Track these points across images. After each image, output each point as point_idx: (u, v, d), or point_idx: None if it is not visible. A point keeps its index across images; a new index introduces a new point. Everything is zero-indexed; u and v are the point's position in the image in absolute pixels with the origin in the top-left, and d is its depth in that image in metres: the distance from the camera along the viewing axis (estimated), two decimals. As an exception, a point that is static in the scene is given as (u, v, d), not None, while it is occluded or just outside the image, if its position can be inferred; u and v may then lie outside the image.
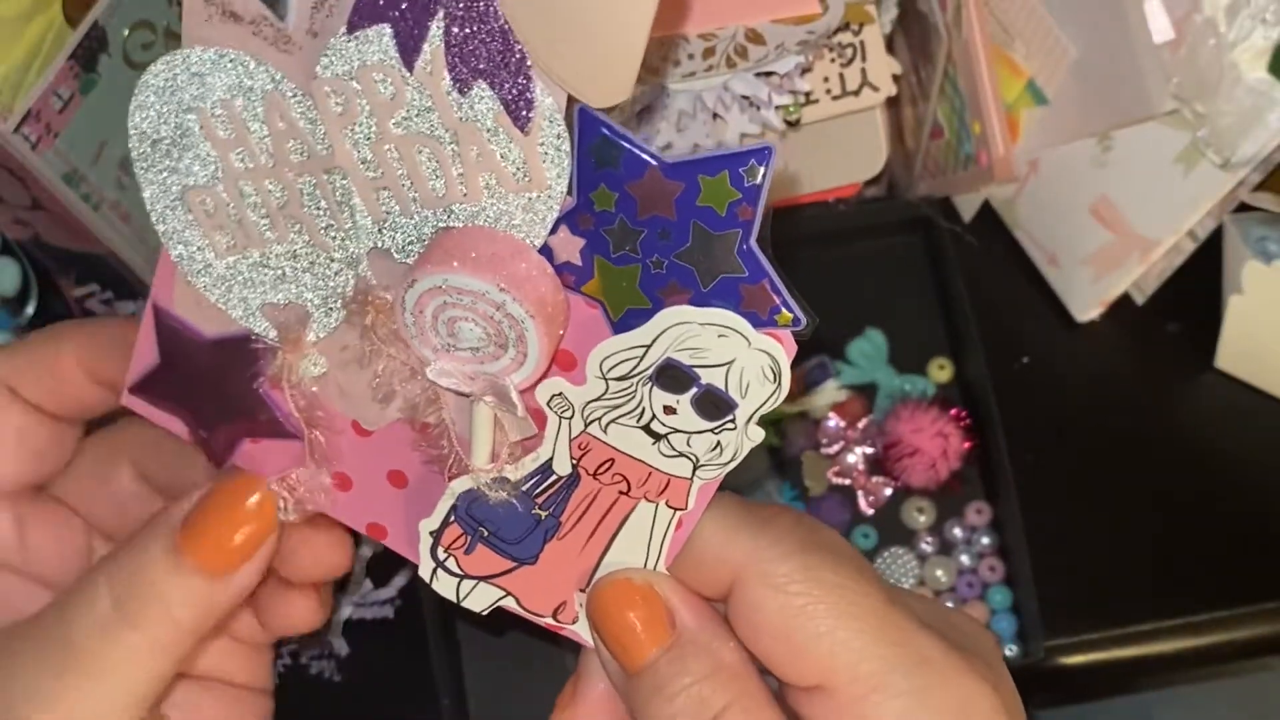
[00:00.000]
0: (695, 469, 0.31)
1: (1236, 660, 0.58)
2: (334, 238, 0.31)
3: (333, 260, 0.32)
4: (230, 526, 0.33)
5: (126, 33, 0.50)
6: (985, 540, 0.59)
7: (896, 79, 0.58)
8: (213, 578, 0.32)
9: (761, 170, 0.27)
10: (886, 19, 0.60)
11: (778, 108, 0.54)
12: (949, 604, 0.58)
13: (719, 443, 0.30)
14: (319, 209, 0.31)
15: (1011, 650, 0.57)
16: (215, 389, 0.34)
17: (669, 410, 0.30)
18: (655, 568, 0.32)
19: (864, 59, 0.56)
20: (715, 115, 0.52)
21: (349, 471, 0.35)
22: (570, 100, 0.28)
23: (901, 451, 0.58)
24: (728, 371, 0.29)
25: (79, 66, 0.49)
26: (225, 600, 0.33)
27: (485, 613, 0.35)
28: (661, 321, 0.29)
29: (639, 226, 0.29)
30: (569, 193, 0.29)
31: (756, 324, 0.29)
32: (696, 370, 0.29)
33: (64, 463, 0.38)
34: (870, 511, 0.60)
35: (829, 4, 0.48)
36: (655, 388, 0.30)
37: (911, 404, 0.59)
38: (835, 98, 0.57)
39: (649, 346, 0.30)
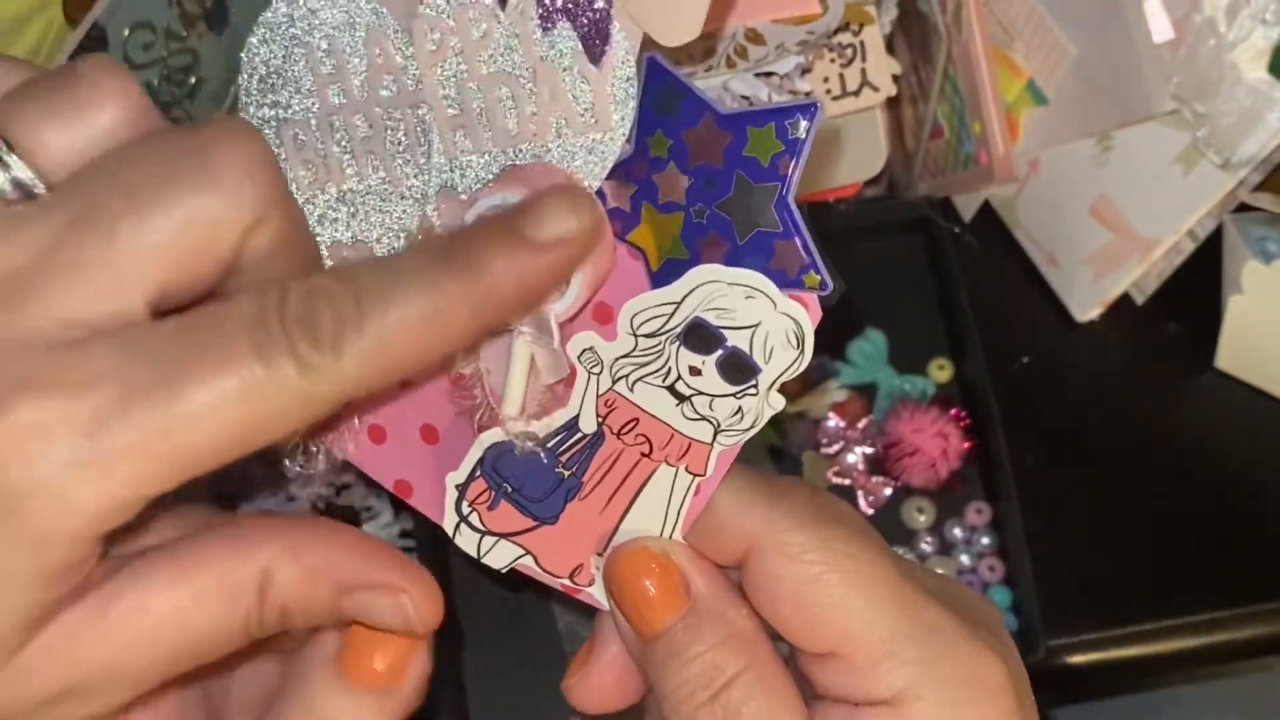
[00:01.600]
0: (716, 434, 0.32)
1: (1236, 660, 0.58)
2: (408, 174, 0.33)
3: (403, 198, 0.34)
4: (381, 659, 0.32)
5: (126, 33, 0.50)
6: (985, 540, 0.59)
7: (896, 79, 0.58)
8: (370, 695, 0.31)
9: (805, 125, 0.29)
10: (886, 19, 0.60)
11: (778, 108, 0.54)
12: (949, 604, 0.58)
13: (740, 408, 0.31)
14: (399, 144, 0.33)
15: (1011, 650, 0.57)
16: None
17: (694, 371, 0.31)
18: (672, 535, 0.33)
19: (864, 59, 0.56)
20: (715, 115, 0.52)
21: (384, 423, 0.35)
22: (640, 49, 0.30)
23: (901, 451, 0.58)
24: (753, 334, 0.30)
25: (79, 67, 0.49)
26: (397, 712, 0.32)
27: (504, 570, 0.35)
28: (692, 279, 0.30)
29: (687, 174, 0.30)
30: (627, 140, 0.31)
31: (784, 284, 0.30)
32: (723, 331, 0.31)
33: None
34: (870, 511, 0.60)
35: (829, 4, 0.48)
36: (682, 347, 0.31)
37: (911, 404, 0.59)
38: (835, 98, 0.57)
39: (679, 304, 0.31)
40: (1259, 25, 0.49)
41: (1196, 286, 0.60)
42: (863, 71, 0.56)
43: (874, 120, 0.59)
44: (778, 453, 0.60)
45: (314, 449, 0.35)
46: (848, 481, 0.60)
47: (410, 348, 0.26)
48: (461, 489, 0.34)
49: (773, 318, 0.30)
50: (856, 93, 0.57)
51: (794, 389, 0.61)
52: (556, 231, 0.28)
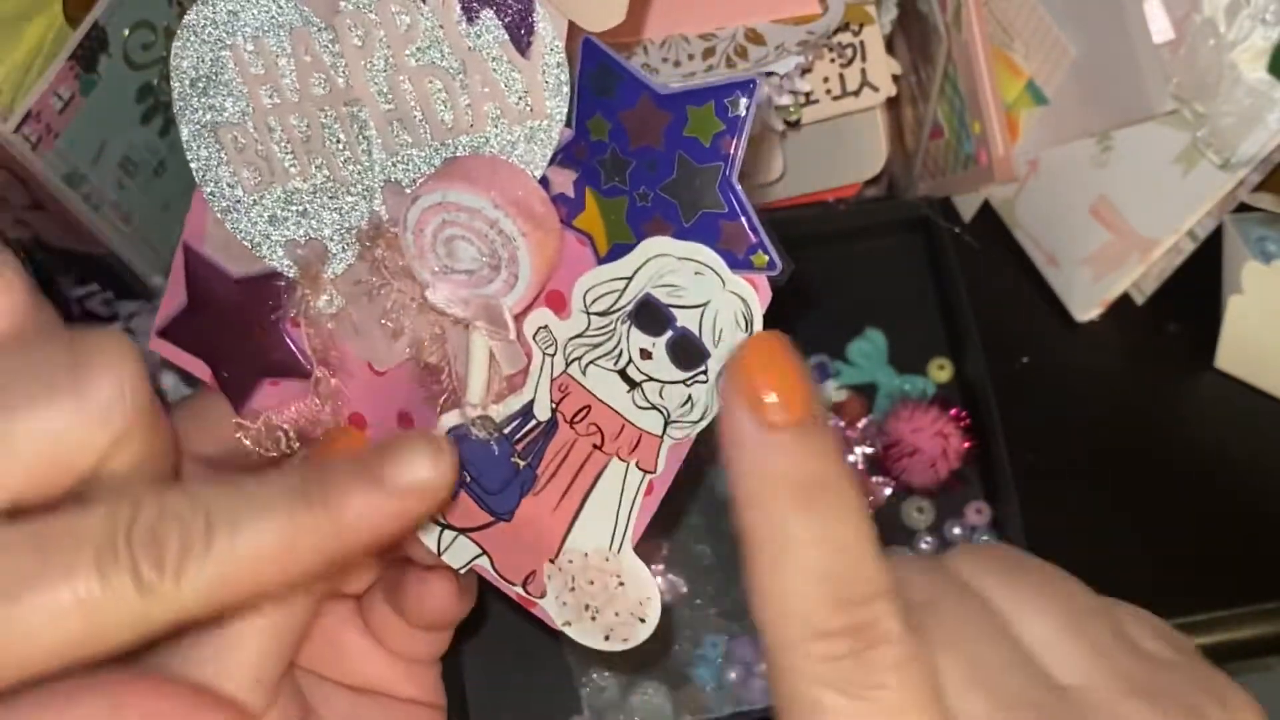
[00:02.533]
0: (666, 425, 0.32)
1: (1236, 660, 0.58)
2: (351, 171, 0.33)
3: (349, 194, 0.34)
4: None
5: (127, 33, 0.51)
6: (985, 540, 0.59)
7: (896, 79, 0.58)
8: None
9: (745, 102, 0.28)
10: (886, 19, 0.60)
11: (778, 108, 0.54)
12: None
13: (690, 396, 0.31)
14: (339, 142, 0.33)
15: (1011, 650, 0.57)
16: (238, 329, 0.36)
17: (645, 354, 0.31)
18: (622, 543, 0.33)
19: (864, 59, 0.56)
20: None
21: (365, 412, 0.36)
22: (573, 32, 0.29)
23: (901, 451, 0.58)
24: (702, 314, 0.30)
25: (79, 67, 0.49)
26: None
27: (463, 570, 0.35)
28: (643, 252, 0.30)
29: (629, 157, 0.30)
30: (567, 124, 0.30)
31: (733, 264, 0.29)
32: (673, 310, 0.30)
33: None
34: (870, 511, 0.60)
35: (829, 4, 0.48)
36: (634, 328, 0.31)
37: (911, 404, 0.59)
38: (835, 98, 0.57)
39: (630, 279, 0.31)
40: (1259, 25, 0.49)
41: (1196, 286, 0.60)
42: (863, 71, 0.56)
43: (874, 120, 0.59)
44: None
45: (289, 436, 0.36)
46: (848, 481, 0.60)
47: (253, 578, 0.26)
48: None
49: (721, 296, 0.30)
50: (856, 93, 0.57)
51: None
52: (413, 479, 0.28)
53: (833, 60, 0.56)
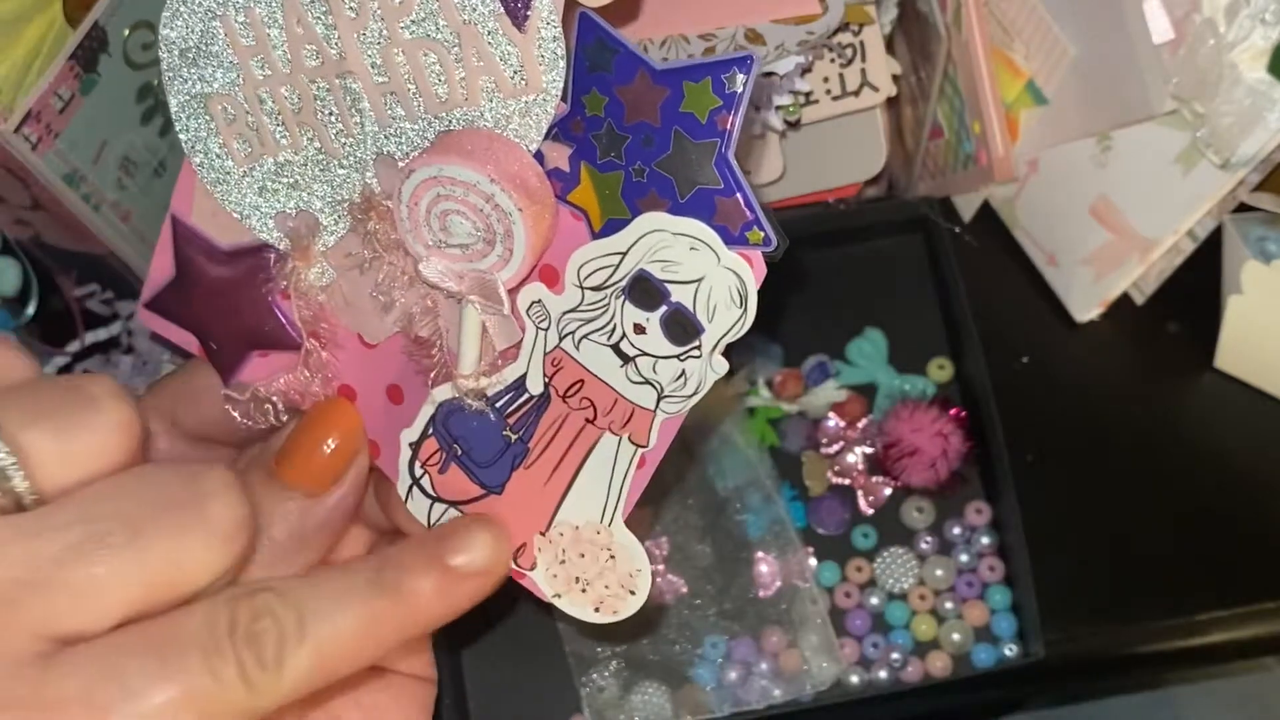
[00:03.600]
0: (659, 400, 0.32)
1: (1236, 660, 0.58)
2: (344, 143, 0.33)
3: (341, 166, 0.33)
4: (317, 447, 0.35)
5: (126, 33, 0.50)
6: (985, 540, 0.59)
7: (896, 79, 0.58)
8: (308, 497, 0.34)
9: (742, 78, 0.28)
10: (886, 19, 0.60)
11: (778, 108, 0.54)
12: (949, 604, 0.58)
13: (684, 371, 0.31)
14: (330, 114, 0.33)
15: (1011, 650, 0.57)
16: (227, 301, 0.36)
17: (639, 329, 0.31)
18: (614, 516, 0.33)
19: (864, 59, 0.56)
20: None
21: (354, 384, 0.36)
22: (570, 6, 0.29)
23: (901, 451, 0.58)
24: (696, 290, 0.30)
25: (79, 66, 0.49)
26: (320, 520, 0.35)
27: None
28: (638, 227, 0.30)
29: (625, 132, 0.30)
30: (563, 99, 0.30)
31: (728, 240, 0.30)
32: (667, 285, 0.30)
33: None
34: (870, 511, 0.60)
35: (829, 4, 0.48)
36: (628, 302, 0.31)
37: (911, 404, 0.59)
38: (835, 98, 0.57)
39: (625, 254, 0.31)
40: (1258, 25, 0.49)
41: (1196, 286, 0.60)
42: (863, 71, 0.56)
43: (874, 120, 0.59)
44: (778, 453, 0.60)
45: (277, 408, 0.36)
46: (848, 481, 0.60)
47: (343, 662, 0.29)
48: (415, 447, 0.35)
49: (716, 272, 0.30)
50: (856, 93, 0.57)
51: (795, 389, 0.61)
52: (474, 563, 0.32)
53: (833, 60, 0.56)
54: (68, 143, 0.49)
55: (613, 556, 0.33)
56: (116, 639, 0.27)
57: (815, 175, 0.61)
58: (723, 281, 0.30)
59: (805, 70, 0.54)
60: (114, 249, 0.54)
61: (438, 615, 0.31)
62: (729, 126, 0.29)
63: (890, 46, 0.60)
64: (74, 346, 0.59)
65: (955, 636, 0.57)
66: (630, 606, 0.34)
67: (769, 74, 0.51)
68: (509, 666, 0.56)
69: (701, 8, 0.47)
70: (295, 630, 0.28)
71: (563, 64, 0.30)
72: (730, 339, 0.31)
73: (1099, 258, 0.60)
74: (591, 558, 0.33)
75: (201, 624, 0.28)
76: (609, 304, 0.31)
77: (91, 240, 0.53)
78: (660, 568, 0.58)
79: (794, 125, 0.57)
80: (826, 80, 0.56)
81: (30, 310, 0.57)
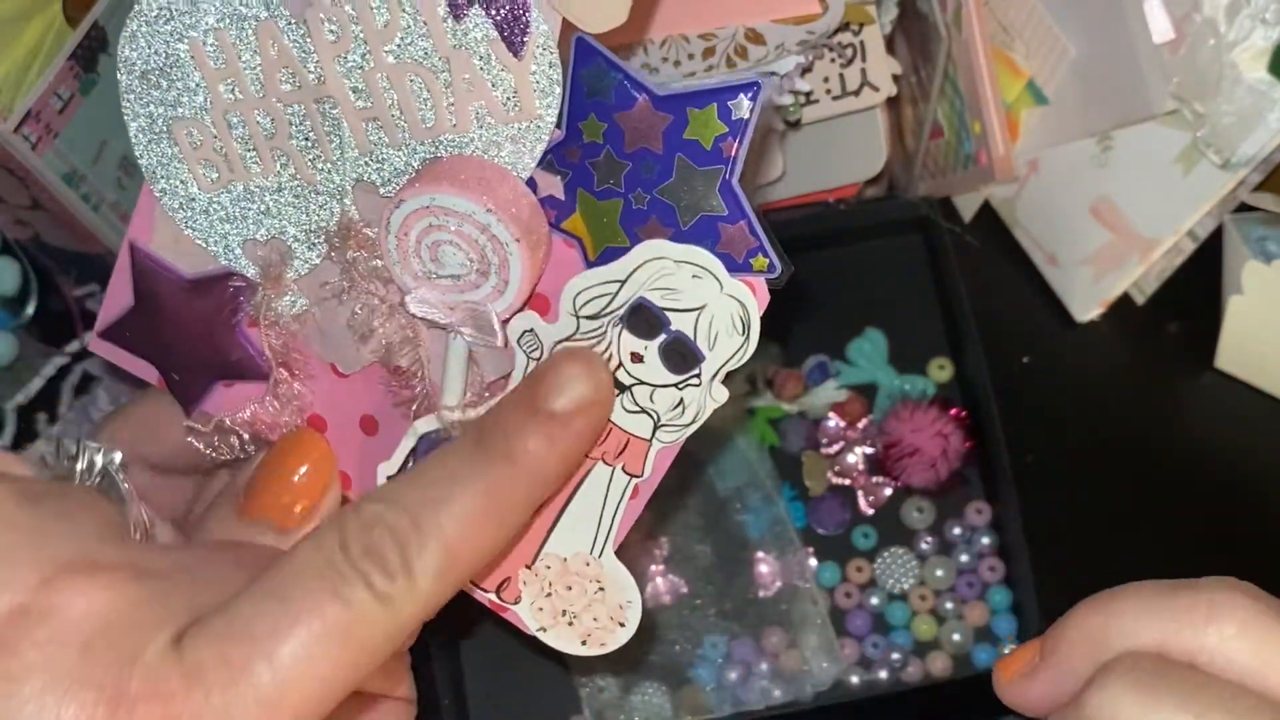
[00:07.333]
0: (655, 429, 0.31)
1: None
2: (320, 169, 0.32)
3: (317, 193, 0.32)
4: (286, 480, 0.33)
5: (126, 33, 0.50)
6: (985, 540, 0.59)
7: (896, 79, 0.58)
8: (280, 533, 0.33)
9: (748, 104, 0.27)
10: (886, 19, 0.60)
11: (778, 108, 0.54)
12: (949, 604, 0.58)
13: (682, 400, 0.30)
14: (306, 140, 0.31)
15: (1012, 650, 0.57)
16: (191, 330, 0.35)
17: (636, 358, 0.30)
18: (604, 547, 0.32)
19: (864, 59, 0.56)
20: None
21: (324, 414, 0.35)
22: (565, 30, 0.28)
23: (901, 451, 0.58)
24: (698, 318, 0.29)
25: (79, 66, 0.49)
26: None
27: None
28: (638, 255, 0.29)
29: (624, 159, 0.29)
30: (558, 125, 0.29)
31: (732, 268, 0.29)
32: (667, 314, 0.30)
33: (182, 511, 0.38)
34: (870, 511, 0.60)
35: (829, 4, 0.48)
36: (625, 331, 0.30)
37: (911, 404, 0.59)
38: (835, 98, 0.57)
39: (623, 282, 0.30)
40: (1259, 25, 0.49)
41: (1196, 286, 0.60)
42: (863, 71, 0.56)
43: (874, 120, 0.59)
44: (778, 453, 0.60)
45: (242, 439, 0.35)
46: (848, 481, 0.60)
47: (476, 547, 0.27)
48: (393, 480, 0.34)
49: (719, 300, 0.29)
50: (856, 93, 0.57)
51: (795, 389, 0.61)
52: (576, 399, 0.29)
53: (833, 60, 0.56)
54: (67, 143, 0.49)
55: (602, 588, 0.32)
56: (236, 601, 0.25)
57: (815, 175, 0.61)
58: (725, 309, 0.29)
59: (805, 70, 0.54)
60: (114, 249, 0.54)
61: (555, 469, 0.29)
62: (734, 154, 0.28)
63: (890, 46, 0.59)
64: (74, 346, 0.59)
65: (955, 637, 0.57)
66: (619, 639, 0.33)
67: (769, 74, 0.51)
68: (509, 667, 0.56)
69: (701, 8, 0.47)
70: (412, 530, 0.26)
71: (559, 90, 0.29)
72: (731, 367, 0.30)
73: (1099, 258, 0.60)
74: (579, 590, 0.33)
75: (312, 554, 0.26)
76: (606, 332, 0.30)
77: (91, 240, 0.53)
78: (660, 568, 0.58)
79: (794, 125, 0.57)
80: (826, 80, 0.56)
81: (30, 310, 0.57)
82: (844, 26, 0.55)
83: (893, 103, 0.62)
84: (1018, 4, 0.57)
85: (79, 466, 0.30)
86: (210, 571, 0.28)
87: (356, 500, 0.28)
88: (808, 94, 0.56)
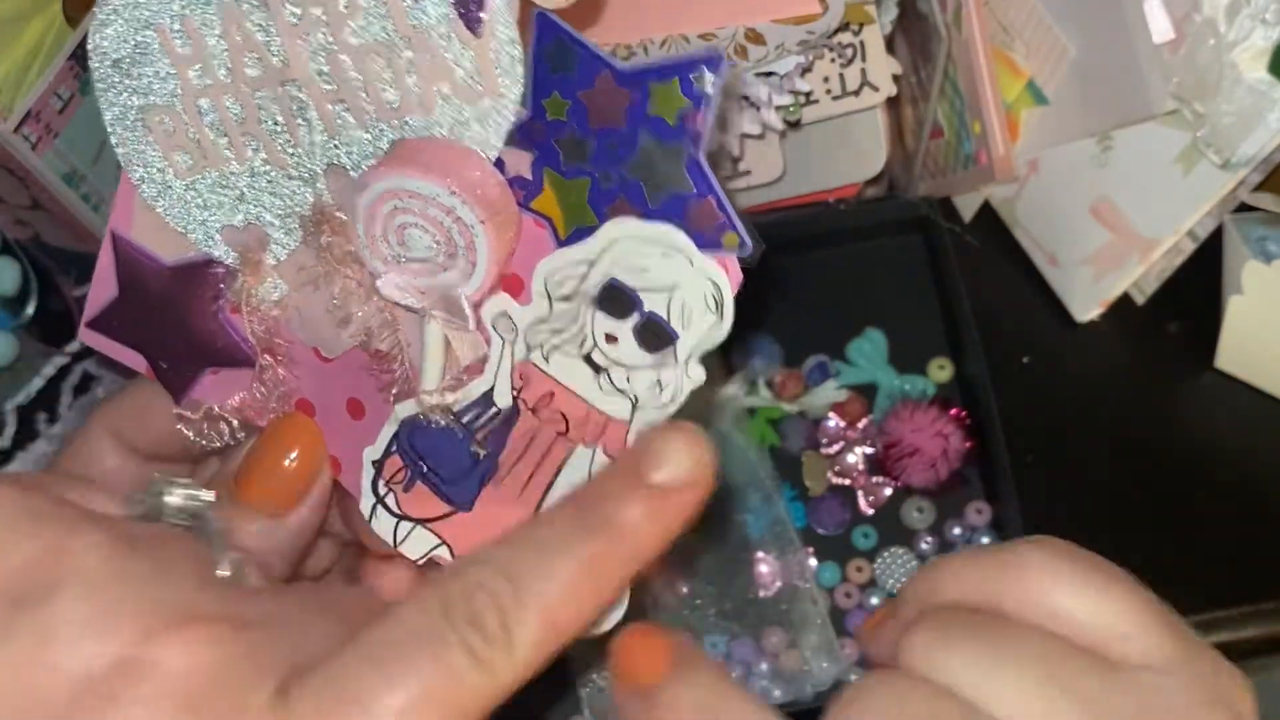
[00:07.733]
0: (634, 410, 0.31)
1: (1237, 660, 0.58)
2: (291, 154, 0.32)
3: (290, 178, 0.32)
4: (277, 465, 0.34)
5: (126, 33, 0.50)
6: (985, 540, 0.59)
7: (896, 79, 0.58)
8: (271, 517, 0.33)
9: (711, 77, 0.27)
10: (886, 19, 0.60)
11: (778, 108, 0.54)
12: (949, 604, 0.58)
13: (659, 380, 0.30)
14: (276, 124, 0.31)
15: (1011, 650, 0.57)
16: (175, 318, 0.35)
17: (611, 339, 0.30)
18: None
19: (864, 59, 0.56)
20: (715, 115, 0.52)
21: (312, 398, 0.35)
22: (526, 6, 0.28)
23: (901, 451, 0.58)
24: (670, 298, 0.29)
25: (79, 66, 0.49)
26: (286, 539, 0.34)
27: (421, 561, 0.35)
28: (606, 234, 0.29)
29: (589, 137, 0.29)
30: (522, 104, 0.29)
31: (702, 244, 0.28)
32: (639, 294, 0.29)
33: None
34: (870, 511, 0.60)
35: (829, 4, 0.48)
36: (598, 311, 0.30)
37: (911, 404, 0.59)
38: (835, 98, 0.57)
39: (594, 262, 0.30)
40: (1259, 25, 0.49)
41: (1196, 286, 0.60)
42: (863, 71, 0.56)
43: (874, 120, 0.59)
44: (778, 453, 0.60)
45: (232, 426, 0.35)
46: (848, 481, 0.60)
47: (573, 618, 0.27)
48: (378, 465, 0.34)
49: (690, 278, 0.29)
50: (856, 93, 0.57)
51: (795, 389, 0.61)
52: (682, 474, 0.29)
53: (833, 60, 0.56)
54: (67, 142, 0.49)
55: None
56: (338, 658, 0.26)
57: (815, 175, 0.61)
58: (697, 288, 0.29)
59: (805, 70, 0.54)
60: (114, 249, 0.54)
61: (653, 543, 0.29)
62: (699, 127, 0.27)
63: (890, 46, 0.59)
64: (74, 346, 0.59)
65: (955, 636, 0.57)
66: (602, 624, 0.32)
67: (769, 74, 0.51)
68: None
69: (701, 8, 0.47)
70: (513, 597, 0.26)
71: (520, 67, 0.29)
72: (707, 346, 0.30)
73: (1099, 258, 0.60)
74: None
75: (415, 615, 0.26)
76: (579, 314, 0.30)
77: (91, 240, 0.53)
78: (660, 568, 0.58)
79: (794, 125, 0.57)
80: (826, 80, 0.56)
81: (30, 310, 0.57)
82: (844, 26, 0.55)
83: (893, 103, 0.62)
84: (1018, 4, 0.57)
85: (169, 502, 0.30)
86: (305, 620, 0.28)
87: (457, 561, 0.28)
88: (808, 94, 0.56)
